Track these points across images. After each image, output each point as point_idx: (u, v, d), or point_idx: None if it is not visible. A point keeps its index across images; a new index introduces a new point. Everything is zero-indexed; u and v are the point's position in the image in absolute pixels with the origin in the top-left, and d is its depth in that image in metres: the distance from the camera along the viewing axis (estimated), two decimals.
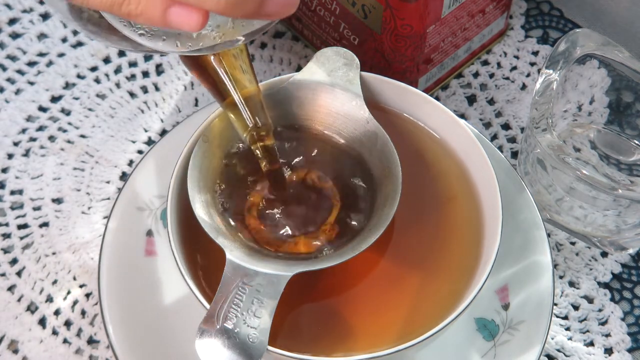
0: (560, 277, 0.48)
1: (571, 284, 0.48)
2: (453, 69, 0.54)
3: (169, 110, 0.54)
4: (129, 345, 0.42)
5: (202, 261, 0.40)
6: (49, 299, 0.47)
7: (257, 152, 0.40)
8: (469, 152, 0.43)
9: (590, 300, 0.47)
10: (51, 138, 0.53)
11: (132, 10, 0.30)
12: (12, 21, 0.58)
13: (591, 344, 0.46)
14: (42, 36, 0.57)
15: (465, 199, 0.42)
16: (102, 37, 0.41)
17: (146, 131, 0.53)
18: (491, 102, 0.55)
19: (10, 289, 0.47)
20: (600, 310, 0.47)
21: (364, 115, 0.42)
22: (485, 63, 0.56)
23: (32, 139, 0.53)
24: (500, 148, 0.52)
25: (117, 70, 0.55)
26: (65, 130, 0.53)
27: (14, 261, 0.48)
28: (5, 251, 0.49)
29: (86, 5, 0.30)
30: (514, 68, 0.56)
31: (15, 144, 0.53)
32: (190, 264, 0.39)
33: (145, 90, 0.55)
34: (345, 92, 0.42)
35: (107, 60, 0.56)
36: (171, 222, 0.39)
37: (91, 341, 0.46)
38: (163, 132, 0.53)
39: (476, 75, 0.55)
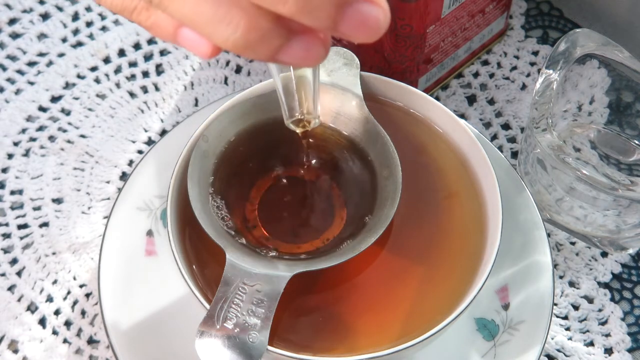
0: (560, 277, 0.48)
1: (571, 284, 0.48)
2: (453, 69, 0.54)
3: (169, 110, 0.54)
4: (129, 345, 0.42)
5: (202, 261, 0.40)
6: (49, 299, 0.47)
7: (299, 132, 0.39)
8: (469, 152, 0.43)
9: (590, 300, 0.47)
10: (51, 138, 0.53)
11: (143, 21, 0.29)
12: (12, 21, 0.58)
13: (591, 344, 0.46)
14: (42, 36, 0.57)
15: (466, 199, 0.42)
16: None
17: (146, 131, 0.53)
18: (491, 102, 0.55)
19: (10, 289, 0.47)
20: (600, 310, 0.47)
21: (364, 115, 0.42)
22: (486, 63, 0.56)
23: (32, 139, 0.53)
24: (500, 148, 0.52)
25: (117, 70, 0.55)
26: (65, 130, 0.53)
27: (14, 261, 0.48)
28: (5, 251, 0.49)
29: (98, 3, 0.30)
30: (514, 68, 0.56)
31: (15, 144, 0.53)
32: (190, 264, 0.39)
33: (145, 90, 0.55)
34: (345, 92, 0.42)
35: (107, 60, 0.56)
36: (171, 222, 0.39)
37: (91, 341, 0.46)
38: (163, 132, 0.53)
39: (476, 75, 0.55)
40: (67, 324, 0.46)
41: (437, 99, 0.53)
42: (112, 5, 0.29)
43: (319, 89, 0.37)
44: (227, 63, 0.56)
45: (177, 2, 0.27)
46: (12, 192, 0.51)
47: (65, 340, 0.46)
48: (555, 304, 0.47)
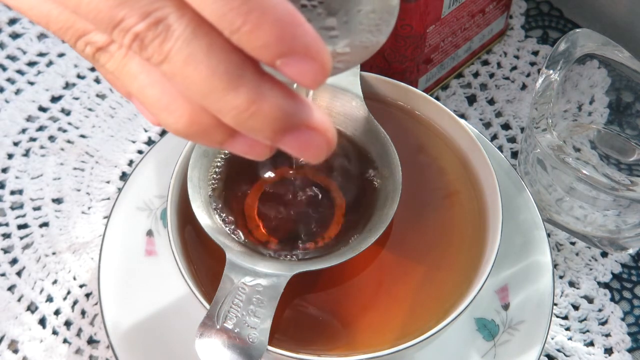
0: (560, 277, 0.48)
1: (571, 284, 0.48)
2: (453, 69, 0.54)
3: None
4: (129, 345, 0.42)
5: (202, 261, 0.40)
6: (49, 299, 0.47)
7: None
8: (469, 152, 0.43)
9: (590, 300, 0.47)
10: (51, 138, 0.53)
11: (102, 73, 0.28)
12: (12, 21, 0.58)
13: (591, 344, 0.46)
14: (42, 36, 0.57)
15: (466, 199, 0.42)
16: None
17: (146, 131, 0.53)
18: (491, 102, 0.55)
19: (10, 289, 0.47)
20: (600, 310, 0.47)
21: (364, 116, 0.42)
22: (486, 63, 0.56)
23: (32, 139, 0.53)
24: (500, 148, 0.52)
25: None
26: (65, 130, 0.53)
27: (14, 261, 0.48)
28: (5, 251, 0.49)
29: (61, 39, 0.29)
30: (514, 68, 0.56)
31: (15, 144, 0.53)
32: (190, 264, 0.39)
33: None
34: (345, 93, 0.42)
35: None
36: (171, 222, 0.39)
37: (91, 341, 0.46)
38: (163, 132, 0.53)
39: (476, 75, 0.55)
40: (67, 324, 0.46)
41: (437, 99, 0.53)
42: (75, 49, 0.28)
43: None
44: None
45: (127, 76, 0.26)
46: (12, 192, 0.51)
47: (65, 340, 0.46)
48: (555, 304, 0.47)
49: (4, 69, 0.56)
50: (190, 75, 0.24)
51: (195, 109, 0.26)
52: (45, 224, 0.50)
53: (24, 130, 0.53)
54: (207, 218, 0.39)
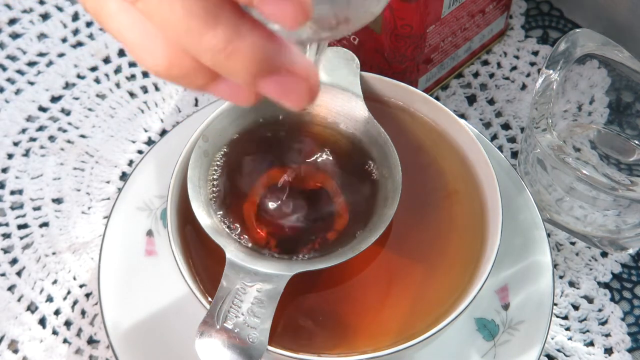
0: (560, 277, 0.48)
1: (571, 284, 0.48)
2: (453, 69, 0.54)
3: (169, 110, 0.54)
4: (129, 345, 0.42)
5: (202, 261, 0.40)
6: (49, 299, 0.47)
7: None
8: (469, 152, 0.43)
9: (590, 300, 0.47)
10: (51, 138, 0.53)
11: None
12: (12, 21, 0.58)
13: (591, 344, 0.46)
14: (42, 36, 0.57)
15: (466, 199, 0.42)
16: None
17: (146, 131, 0.53)
18: (491, 102, 0.55)
19: (10, 289, 0.47)
20: (600, 310, 0.47)
21: (364, 115, 0.42)
22: (485, 63, 0.56)
23: (32, 139, 0.53)
24: (500, 148, 0.52)
25: (117, 70, 0.55)
26: (65, 130, 0.53)
27: (14, 261, 0.48)
28: (5, 251, 0.49)
29: None
30: (514, 68, 0.56)
31: (15, 144, 0.53)
32: (190, 264, 0.39)
33: (145, 90, 0.55)
34: (345, 92, 0.42)
35: (107, 60, 0.56)
36: (171, 222, 0.39)
37: (91, 341, 0.46)
38: (163, 132, 0.53)
39: (476, 75, 0.55)
40: (67, 324, 0.46)
41: (437, 99, 0.53)
42: None
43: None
44: None
45: (107, 17, 0.26)
46: (12, 192, 0.51)
47: (65, 340, 0.46)
48: (555, 304, 0.47)
49: (4, 69, 0.56)
50: (166, 14, 0.24)
51: (175, 50, 0.25)
52: (45, 224, 0.49)
53: (24, 130, 0.53)
54: (207, 218, 0.39)
